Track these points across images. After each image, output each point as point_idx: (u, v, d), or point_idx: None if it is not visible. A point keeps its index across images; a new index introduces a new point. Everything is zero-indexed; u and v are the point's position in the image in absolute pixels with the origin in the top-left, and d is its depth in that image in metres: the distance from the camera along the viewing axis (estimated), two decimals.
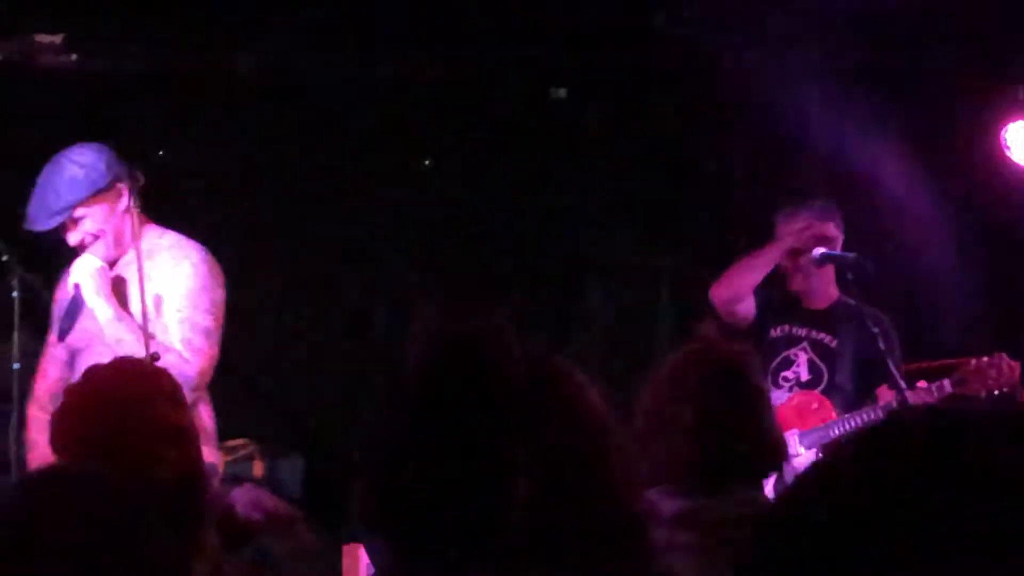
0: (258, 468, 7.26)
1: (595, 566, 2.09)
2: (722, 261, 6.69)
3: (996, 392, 6.18)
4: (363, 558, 6.91)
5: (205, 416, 5.52)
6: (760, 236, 6.72)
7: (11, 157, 7.10)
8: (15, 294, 6.13)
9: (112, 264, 5.48)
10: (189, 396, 4.98)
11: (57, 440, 3.39)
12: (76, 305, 5.44)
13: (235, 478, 6.50)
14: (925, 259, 7.87)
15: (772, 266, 6.42)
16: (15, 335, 6.19)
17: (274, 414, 7.87)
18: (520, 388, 2.10)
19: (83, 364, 5.23)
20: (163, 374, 3.58)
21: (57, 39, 7.75)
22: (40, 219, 5.37)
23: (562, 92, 8.73)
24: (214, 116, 7.96)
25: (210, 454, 5.29)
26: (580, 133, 8.64)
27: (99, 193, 5.41)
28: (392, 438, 2.13)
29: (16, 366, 6.19)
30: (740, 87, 7.92)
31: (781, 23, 7.71)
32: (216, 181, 7.93)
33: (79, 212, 5.38)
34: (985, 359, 6.22)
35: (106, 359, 5.04)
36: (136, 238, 5.42)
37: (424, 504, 2.05)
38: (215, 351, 5.41)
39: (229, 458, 6.81)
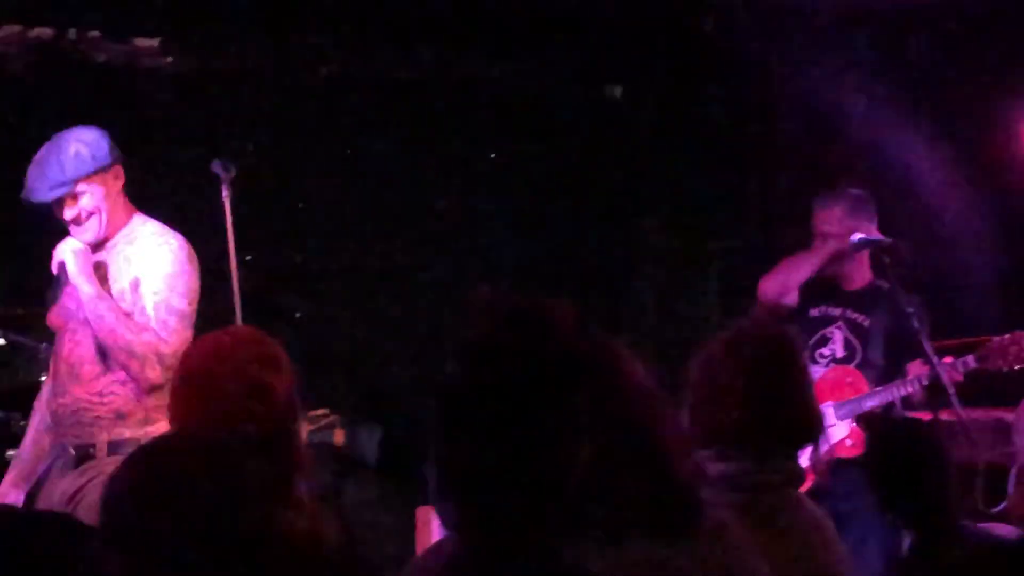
0: (339, 436, 7.26)
1: (651, 522, 2.09)
2: (766, 246, 6.67)
3: (1016, 367, 6.20)
4: (435, 519, 6.95)
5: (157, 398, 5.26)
6: (802, 224, 6.71)
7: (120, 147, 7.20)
8: None
9: (97, 247, 5.23)
10: (163, 375, 4.97)
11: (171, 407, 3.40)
12: (58, 284, 5.20)
13: (319, 445, 6.53)
14: (952, 245, 7.84)
15: (819, 266, 6.43)
16: None
17: (354, 387, 7.89)
18: (580, 358, 2.08)
19: (62, 342, 5.22)
20: (259, 338, 3.48)
21: (155, 43, 7.81)
22: (42, 190, 5.10)
23: (617, 91, 8.69)
24: (295, 112, 7.95)
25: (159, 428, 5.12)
26: (634, 128, 8.59)
27: (100, 172, 5.17)
28: (459, 405, 2.10)
29: None
30: (783, 85, 7.91)
31: (822, 27, 7.68)
32: (302, 172, 7.94)
33: (80, 187, 5.12)
34: (1007, 337, 6.22)
35: (80, 337, 5.12)
36: (124, 223, 5.26)
37: (491, 468, 2.03)
38: (189, 333, 5.17)
39: (313, 427, 6.77)
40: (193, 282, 5.26)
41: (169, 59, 7.82)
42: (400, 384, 7.70)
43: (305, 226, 7.93)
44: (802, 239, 6.56)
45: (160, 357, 5.05)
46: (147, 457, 2.35)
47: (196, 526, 2.22)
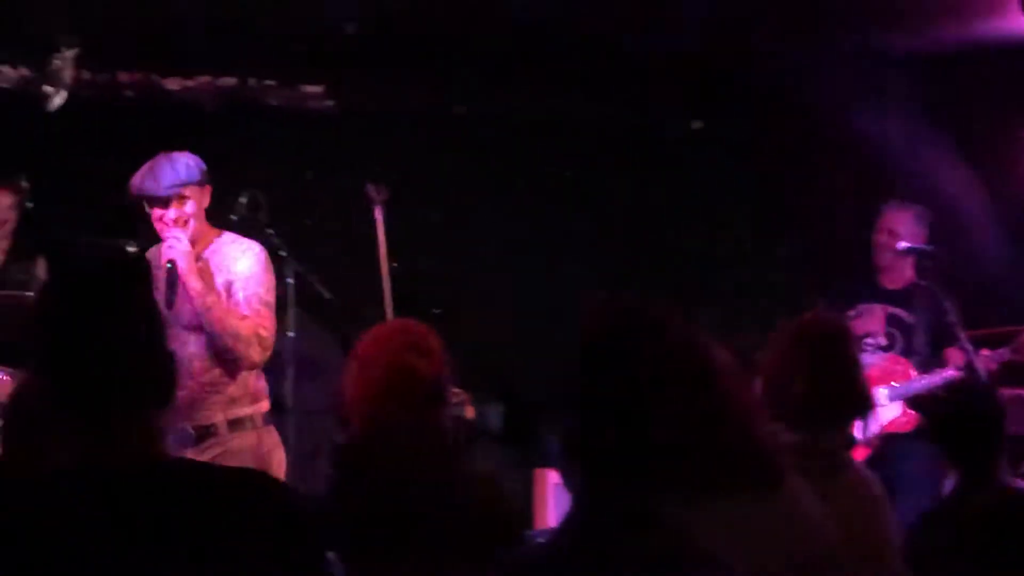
0: (470, 412, 7.29)
1: (739, 480, 2.13)
2: (827, 251, 6.63)
3: None
4: (550, 481, 7.03)
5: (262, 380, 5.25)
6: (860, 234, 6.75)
7: (289, 186, 7.38)
8: (289, 280, 6.36)
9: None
10: (263, 355, 4.97)
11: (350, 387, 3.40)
12: (169, 286, 4.95)
13: (454, 419, 6.59)
14: (987, 252, 7.79)
15: None
16: (290, 311, 6.41)
17: (482, 371, 7.95)
18: (681, 345, 2.11)
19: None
20: (413, 328, 3.47)
21: (320, 89, 7.93)
22: (154, 188, 4.92)
23: (698, 123, 8.71)
24: (434, 143, 8.01)
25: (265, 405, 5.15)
26: (712, 152, 8.61)
27: (201, 184, 5.06)
28: (575, 384, 2.11)
29: (291, 335, 6.42)
30: (843, 117, 7.88)
31: (873, 70, 7.66)
32: (440, 193, 8.02)
33: (187, 192, 4.99)
34: None
35: (185, 338, 4.90)
36: (206, 237, 5.14)
37: (606, 438, 2.04)
38: (275, 323, 5.14)
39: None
40: (273, 279, 5.21)
41: (331, 102, 7.93)
42: (519, 368, 7.75)
43: (442, 238, 8.02)
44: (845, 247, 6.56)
45: (260, 340, 5.00)
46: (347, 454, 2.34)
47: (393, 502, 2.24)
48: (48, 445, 2.84)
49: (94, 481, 2.05)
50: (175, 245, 4.94)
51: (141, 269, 2.23)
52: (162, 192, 4.93)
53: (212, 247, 5.14)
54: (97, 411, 2.09)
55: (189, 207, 5.01)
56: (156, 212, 4.96)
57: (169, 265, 4.90)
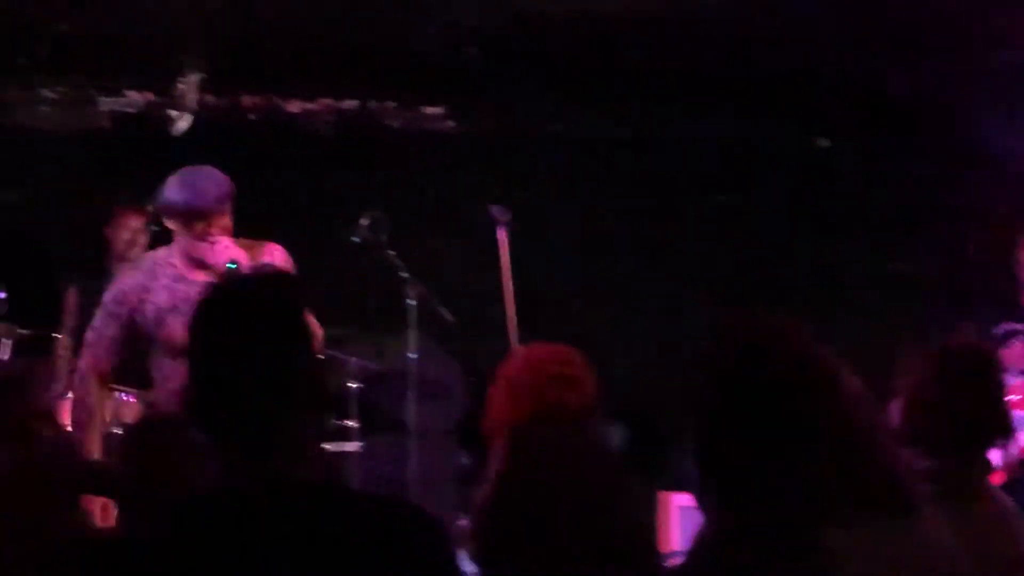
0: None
1: (876, 506, 2.18)
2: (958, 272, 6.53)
3: None
4: (674, 504, 6.97)
5: None
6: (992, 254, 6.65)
7: (410, 208, 7.42)
8: (411, 302, 6.44)
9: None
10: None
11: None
12: None
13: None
14: None
15: None
16: (411, 332, 6.49)
17: (605, 393, 7.94)
18: (812, 369, 2.10)
19: None
20: (564, 356, 3.47)
21: (439, 110, 7.98)
22: (204, 202, 4.79)
23: (825, 141, 8.65)
24: (552, 165, 8.03)
25: None
26: (839, 173, 8.53)
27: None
28: (711, 410, 2.12)
29: (413, 356, 6.50)
30: (971, 133, 7.76)
31: (1012, 85, 7.54)
32: (568, 218, 8.03)
33: (228, 203, 4.93)
34: None
35: None
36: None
37: (744, 463, 2.06)
38: None
39: None
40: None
41: (451, 123, 7.97)
42: (641, 392, 7.72)
43: (563, 259, 8.01)
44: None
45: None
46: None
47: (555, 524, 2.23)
48: (182, 466, 2.86)
49: (238, 504, 2.05)
50: (231, 246, 4.87)
51: (291, 285, 2.22)
52: (213, 206, 4.86)
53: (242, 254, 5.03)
54: (244, 432, 2.09)
55: (227, 221, 4.95)
56: (198, 226, 4.83)
57: (233, 265, 4.82)
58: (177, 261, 4.87)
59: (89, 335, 4.83)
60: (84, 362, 4.80)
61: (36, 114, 7.26)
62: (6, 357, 6.20)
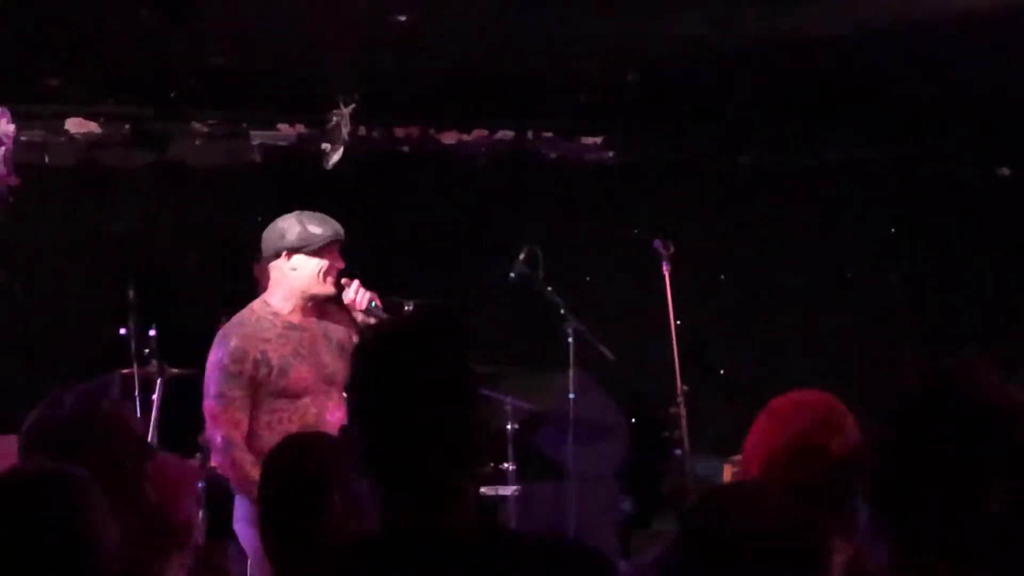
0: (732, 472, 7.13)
1: None
2: None
3: None
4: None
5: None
6: None
7: (569, 241, 7.42)
8: (569, 339, 6.38)
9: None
10: None
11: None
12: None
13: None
14: None
15: None
16: (570, 371, 6.44)
17: None
18: (999, 414, 2.06)
19: (315, 403, 4.81)
20: (831, 403, 3.40)
21: (598, 140, 7.94)
22: (341, 235, 4.86)
23: (1006, 170, 8.41)
24: (726, 200, 7.96)
25: None
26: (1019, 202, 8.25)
27: None
28: (897, 456, 2.08)
29: (571, 396, 6.47)
30: None
31: None
32: (732, 250, 7.94)
33: None
34: None
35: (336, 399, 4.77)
36: None
37: (923, 510, 2.03)
38: None
39: (736, 469, 6.51)
40: None
41: (611, 153, 7.92)
42: None
43: (731, 294, 7.93)
44: None
45: None
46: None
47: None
48: (342, 510, 2.83)
49: (404, 550, 2.07)
50: (361, 286, 4.87)
51: (456, 329, 2.22)
52: (343, 241, 4.91)
53: None
54: (406, 475, 2.11)
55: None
56: (334, 257, 4.86)
57: (374, 305, 4.85)
58: (282, 309, 4.86)
59: (215, 405, 4.73)
60: (223, 432, 4.70)
61: (188, 148, 7.34)
62: (155, 396, 6.24)
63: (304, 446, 3.12)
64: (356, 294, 4.82)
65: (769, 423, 3.15)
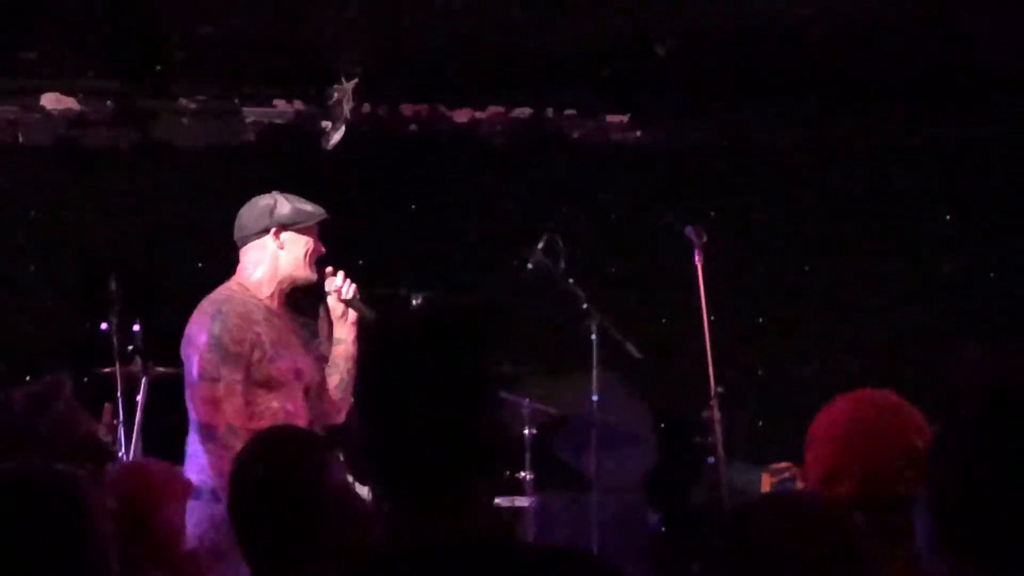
0: (800, 485, 7.01)
1: None
2: None
3: None
4: None
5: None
6: None
7: (592, 229, 7.43)
8: (592, 336, 6.25)
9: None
10: None
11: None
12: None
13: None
14: None
15: None
16: (593, 371, 6.32)
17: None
18: None
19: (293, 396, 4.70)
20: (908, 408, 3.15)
21: (625, 118, 7.85)
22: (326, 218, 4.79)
23: None
24: (752, 179, 7.79)
25: None
26: None
27: None
28: (959, 453, 2.00)
29: (594, 398, 6.31)
30: None
31: None
32: (768, 237, 7.80)
33: None
34: None
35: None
36: None
37: (983, 512, 1.95)
38: None
39: (775, 479, 6.53)
40: None
41: (638, 133, 7.82)
42: None
43: (766, 284, 7.76)
44: None
45: None
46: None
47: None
48: (352, 521, 2.82)
49: (410, 560, 2.07)
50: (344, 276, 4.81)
51: (475, 324, 2.19)
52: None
53: None
54: (418, 485, 2.08)
55: None
56: (318, 241, 4.73)
57: (358, 298, 4.75)
58: (260, 293, 4.67)
59: (216, 389, 4.45)
60: (227, 418, 4.43)
61: (174, 127, 7.27)
62: (140, 397, 6.18)
63: (286, 442, 3.02)
64: (343, 283, 4.70)
65: (850, 427, 3.04)
